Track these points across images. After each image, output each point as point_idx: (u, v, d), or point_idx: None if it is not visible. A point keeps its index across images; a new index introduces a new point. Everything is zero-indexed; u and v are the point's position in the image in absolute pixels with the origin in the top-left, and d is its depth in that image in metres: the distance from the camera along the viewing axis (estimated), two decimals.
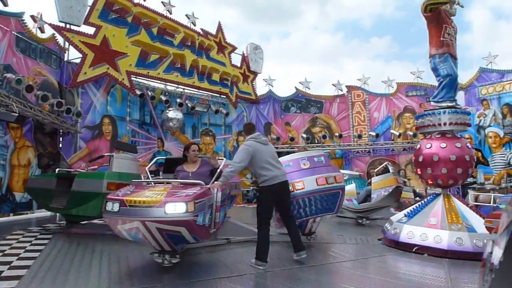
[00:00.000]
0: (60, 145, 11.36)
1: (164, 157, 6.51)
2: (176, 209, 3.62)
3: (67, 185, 6.79)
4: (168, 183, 4.57)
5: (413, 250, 5.58)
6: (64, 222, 7.84)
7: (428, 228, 5.74)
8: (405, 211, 6.60)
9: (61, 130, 11.20)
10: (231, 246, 5.80)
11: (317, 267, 4.60)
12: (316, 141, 17.02)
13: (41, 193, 7.14)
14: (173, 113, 14.24)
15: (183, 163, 5.14)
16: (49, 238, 6.15)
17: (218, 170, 4.85)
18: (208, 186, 4.34)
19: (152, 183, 4.53)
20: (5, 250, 5.15)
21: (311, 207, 5.57)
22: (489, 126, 15.23)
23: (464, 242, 5.36)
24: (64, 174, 7.33)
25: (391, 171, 9.90)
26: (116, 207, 3.72)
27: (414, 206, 6.61)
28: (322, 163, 5.84)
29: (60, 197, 6.79)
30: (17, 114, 8.43)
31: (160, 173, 6.77)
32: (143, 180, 4.98)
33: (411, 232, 5.81)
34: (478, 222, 5.74)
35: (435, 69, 6.61)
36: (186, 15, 15.69)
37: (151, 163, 5.57)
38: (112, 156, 6.69)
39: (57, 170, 7.94)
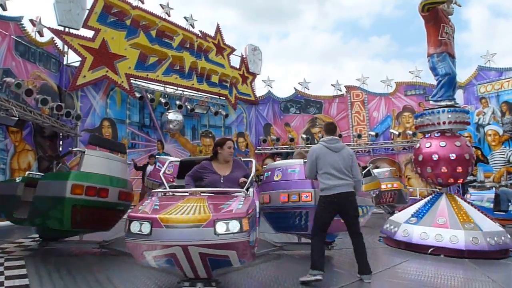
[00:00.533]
0: (60, 149, 11.37)
1: (179, 159, 5.19)
2: (229, 228, 2.93)
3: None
4: (204, 192, 3.65)
5: (429, 251, 5.49)
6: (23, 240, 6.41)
7: (438, 228, 5.67)
8: (410, 211, 6.45)
9: (61, 134, 11.22)
10: (253, 262, 4.81)
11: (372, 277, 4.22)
12: (316, 142, 17.03)
13: (5, 200, 5.78)
14: (173, 115, 14.26)
15: (212, 161, 4.13)
16: (21, 265, 4.70)
17: (252, 175, 4.09)
18: (249, 195, 3.64)
19: (167, 192, 3.79)
20: None
21: (280, 224, 5.19)
22: (488, 124, 15.26)
23: (479, 241, 5.32)
24: (33, 178, 5.96)
25: (373, 174, 10.12)
26: (146, 228, 2.93)
27: (418, 206, 6.50)
28: (294, 176, 5.13)
29: (26, 206, 5.46)
30: (17, 118, 8.45)
31: (144, 168, 5.72)
32: (162, 190, 3.99)
33: (425, 233, 5.70)
34: (482, 220, 5.74)
35: (433, 68, 6.64)
36: (185, 17, 15.74)
37: (164, 167, 4.79)
38: (83, 152, 5.32)
39: (26, 173, 6.71)
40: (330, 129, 4.57)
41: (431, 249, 5.50)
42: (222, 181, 3.95)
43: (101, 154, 5.53)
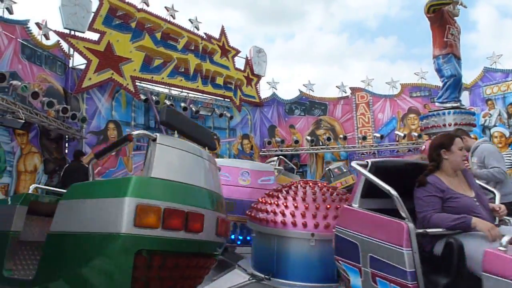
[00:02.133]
0: (66, 151, 11.44)
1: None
2: None
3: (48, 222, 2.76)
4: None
5: None
6: None
7: None
8: None
9: (66, 136, 11.28)
10: None
11: None
12: (320, 143, 17.01)
13: None
14: None
15: (434, 173, 2.51)
16: None
17: (498, 196, 2.63)
18: None
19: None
20: None
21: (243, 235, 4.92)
22: (495, 126, 15.14)
23: None
24: (43, 197, 3.44)
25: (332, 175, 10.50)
26: None
27: None
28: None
29: (29, 252, 3.15)
30: (23, 121, 8.52)
31: None
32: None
33: None
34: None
35: (439, 70, 6.63)
36: (190, 20, 15.78)
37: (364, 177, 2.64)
38: (153, 140, 2.58)
39: (31, 187, 3.97)
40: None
41: None
42: (478, 204, 2.40)
43: (187, 147, 2.77)
